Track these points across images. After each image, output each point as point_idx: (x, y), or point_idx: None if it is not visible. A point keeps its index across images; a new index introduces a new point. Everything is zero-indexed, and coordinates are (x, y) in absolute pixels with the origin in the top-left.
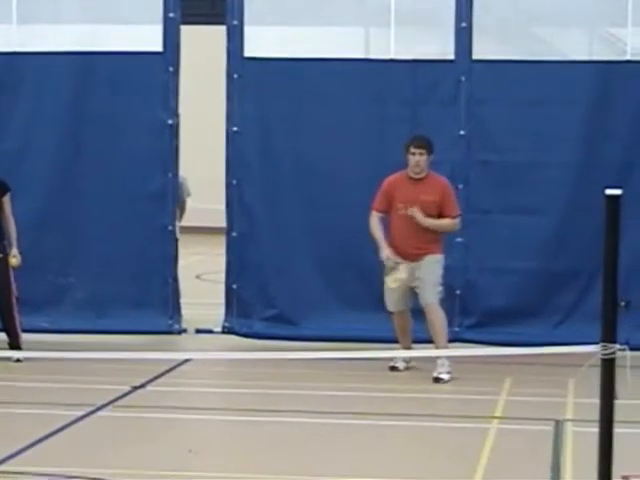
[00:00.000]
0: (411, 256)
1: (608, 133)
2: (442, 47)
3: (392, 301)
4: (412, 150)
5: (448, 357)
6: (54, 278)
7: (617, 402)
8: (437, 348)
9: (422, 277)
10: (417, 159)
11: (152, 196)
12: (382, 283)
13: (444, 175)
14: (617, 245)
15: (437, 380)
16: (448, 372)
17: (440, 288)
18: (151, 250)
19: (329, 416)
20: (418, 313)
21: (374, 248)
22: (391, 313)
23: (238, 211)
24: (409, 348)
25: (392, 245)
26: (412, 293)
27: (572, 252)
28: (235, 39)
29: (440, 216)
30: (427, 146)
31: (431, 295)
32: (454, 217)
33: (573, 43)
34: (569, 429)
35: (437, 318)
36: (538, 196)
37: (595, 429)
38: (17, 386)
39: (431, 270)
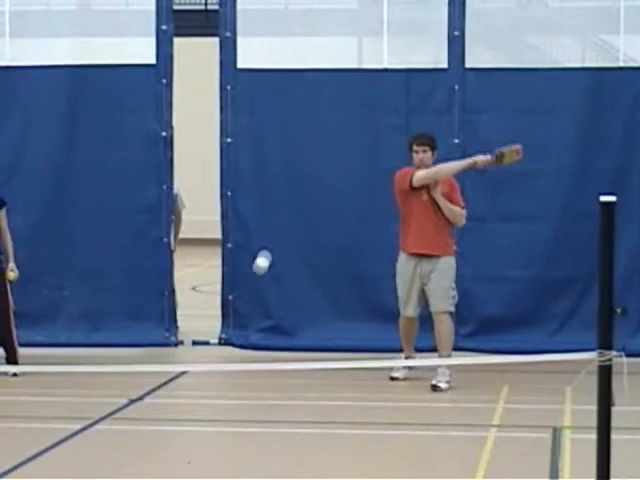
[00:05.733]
0: (427, 249)
1: (602, 140)
2: (435, 56)
3: (402, 301)
4: (415, 148)
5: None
6: (49, 292)
7: (614, 409)
8: (440, 357)
9: (434, 281)
10: (420, 157)
11: (147, 208)
12: (378, 292)
13: None
14: (612, 251)
15: (435, 388)
16: (447, 381)
17: (454, 293)
18: (146, 262)
19: (327, 426)
20: (423, 321)
21: (369, 257)
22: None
23: (233, 222)
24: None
25: (408, 238)
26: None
27: (568, 259)
28: (228, 50)
29: None
30: (430, 143)
31: (442, 303)
32: (462, 208)
33: (566, 50)
34: (567, 436)
35: (445, 329)
36: (533, 204)
37: (593, 436)
38: (14, 400)
39: (444, 275)
